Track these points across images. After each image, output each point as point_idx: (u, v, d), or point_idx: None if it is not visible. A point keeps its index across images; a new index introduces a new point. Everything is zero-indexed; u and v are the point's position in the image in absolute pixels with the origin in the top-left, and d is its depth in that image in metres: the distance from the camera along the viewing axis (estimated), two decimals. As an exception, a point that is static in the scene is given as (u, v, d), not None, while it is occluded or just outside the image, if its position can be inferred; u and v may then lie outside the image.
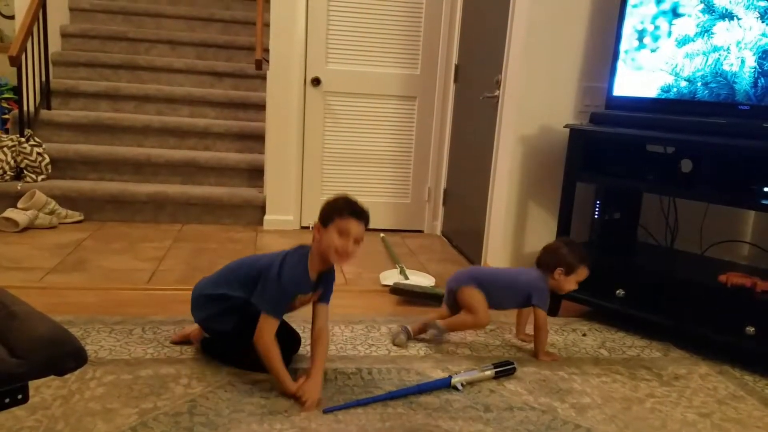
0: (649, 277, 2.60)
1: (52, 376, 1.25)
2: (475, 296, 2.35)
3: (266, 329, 1.94)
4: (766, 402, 2.12)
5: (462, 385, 2.05)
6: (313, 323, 2.09)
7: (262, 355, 1.94)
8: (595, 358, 2.38)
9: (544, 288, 2.32)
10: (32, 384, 1.26)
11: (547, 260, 2.34)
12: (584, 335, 2.60)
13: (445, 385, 2.05)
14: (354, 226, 1.95)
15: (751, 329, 2.27)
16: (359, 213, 1.98)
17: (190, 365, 2.09)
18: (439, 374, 2.14)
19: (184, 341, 2.26)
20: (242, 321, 2.01)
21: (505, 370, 2.15)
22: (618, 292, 2.60)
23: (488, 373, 2.11)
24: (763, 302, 2.28)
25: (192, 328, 2.25)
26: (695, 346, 2.48)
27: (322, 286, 2.09)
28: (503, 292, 2.37)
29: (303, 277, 1.99)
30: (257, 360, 1.96)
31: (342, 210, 1.97)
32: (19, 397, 1.22)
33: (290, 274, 1.97)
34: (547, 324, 2.35)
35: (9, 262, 3.06)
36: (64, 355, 1.22)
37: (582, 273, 2.33)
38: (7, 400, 1.20)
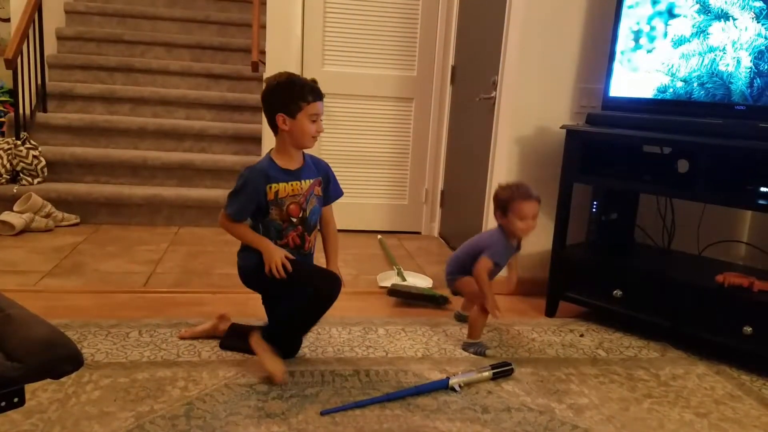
0: (647, 278, 2.60)
1: (49, 380, 1.25)
2: (466, 285, 2.41)
3: (222, 221, 2.08)
4: (763, 402, 2.12)
5: (460, 386, 2.05)
6: (320, 227, 2.19)
7: (235, 235, 2.08)
8: (592, 359, 2.38)
9: (495, 240, 2.36)
10: (28, 387, 1.26)
11: (494, 212, 2.39)
12: (582, 336, 2.60)
13: (443, 386, 2.04)
14: (320, 107, 2.04)
15: (748, 329, 2.27)
16: (319, 91, 2.04)
17: (186, 368, 2.08)
18: (436, 375, 2.13)
19: (197, 337, 2.29)
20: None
21: (502, 371, 2.15)
22: (615, 292, 2.60)
23: (486, 374, 2.11)
24: (760, 302, 2.28)
25: (211, 323, 2.30)
26: (692, 347, 2.48)
27: (317, 174, 2.14)
28: (472, 260, 2.37)
29: (266, 164, 2.06)
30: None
31: (305, 95, 2.01)
32: (15, 400, 1.21)
33: (252, 168, 2.07)
34: (486, 273, 2.32)
35: (5, 266, 3.05)
36: (60, 359, 1.21)
37: (520, 208, 2.28)
38: (3, 404, 1.19)
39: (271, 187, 2.05)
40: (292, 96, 2.00)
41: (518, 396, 2.04)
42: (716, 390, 2.18)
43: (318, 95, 2.04)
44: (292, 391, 1.97)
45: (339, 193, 2.27)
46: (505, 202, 2.31)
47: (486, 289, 2.31)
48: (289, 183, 2.07)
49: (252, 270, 2.10)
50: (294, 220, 2.10)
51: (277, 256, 2.01)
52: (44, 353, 1.19)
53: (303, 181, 2.11)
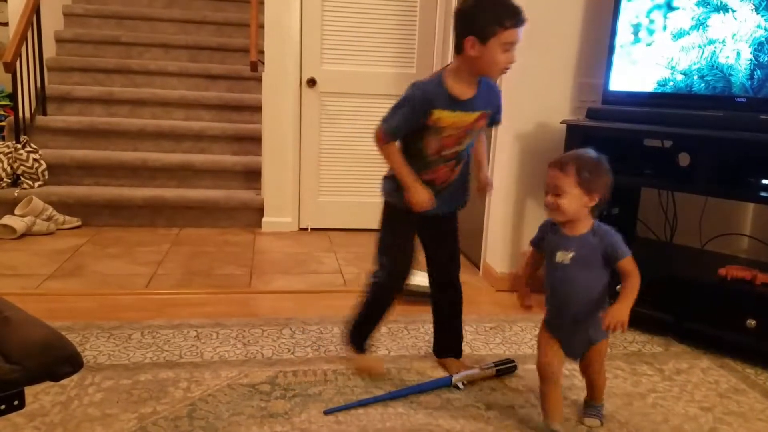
0: (649, 272, 2.55)
1: (51, 383, 1.24)
2: None
3: (376, 133, 1.87)
4: (767, 395, 2.11)
5: (463, 383, 2.04)
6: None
7: (384, 156, 1.89)
8: (596, 354, 2.37)
9: None
10: (31, 390, 1.26)
11: None
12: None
13: (446, 384, 2.04)
14: (518, 35, 1.74)
15: (752, 322, 2.26)
16: (521, 15, 1.74)
17: (189, 369, 2.08)
18: (439, 373, 2.13)
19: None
20: None
21: (506, 368, 2.14)
22: (618, 287, 2.58)
23: (489, 371, 2.10)
24: (763, 295, 2.27)
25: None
26: (696, 341, 2.47)
27: (486, 106, 1.88)
28: None
29: (435, 87, 1.80)
30: None
31: (503, 19, 1.70)
32: (15, 403, 1.21)
33: (419, 84, 1.83)
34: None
35: (7, 269, 3.05)
36: (58, 360, 1.20)
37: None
38: (2, 407, 1.19)
39: (433, 113, 1.80)
40: (487, 18, 1.70)
41: (522, 393, 2.04)
42: (720, 384, 2.17)
43: (519, 21, 1.72)
44: (294, 390, 1.97)
45: (499, 121, 2.01)
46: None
47: (519, 272, 1.95)
48: (455, 112, 1.81)
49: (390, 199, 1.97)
50: (446, 153, 1.88)
51: (423, 197, 1.86)
52: (43, 355, 1.18)
53: (471, 113, 1.84)
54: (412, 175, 1.88)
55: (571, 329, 1.77)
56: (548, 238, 1.78)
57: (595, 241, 1.73)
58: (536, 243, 1.84)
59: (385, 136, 1.87)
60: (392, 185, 1.95)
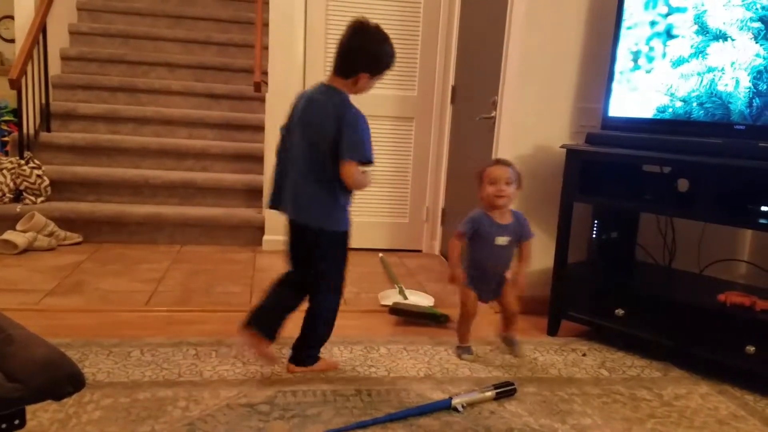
0: (649, 297, 2.59)
1: (50, 400, 1.25)
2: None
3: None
4: (767, 422, 2.10)
5: (462, 406, 2.04)
6: None
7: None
8: (595, 379, 2.37)
9: (471, 214, 2.47)
10: (29, 408, 1.26)
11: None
12: (584, 355, 2.59)
13: (446, 406, 2.03)
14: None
15: (751, 348, 2.26)
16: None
17: (188, 388, 2.08)
18: (438, 395, 2.12)
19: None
20: None
21: (505, 391, 2.14)
22: (617, 311, 2.59)
23: (488, 394, 2.10)
24: (762, 321, 2.28)
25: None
26: (695, 366, 2.47)
27: None
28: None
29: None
30: None
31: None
32: (16, 422, 1.21)
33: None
34: (454, 244, 2.44)
35: (7, 285, 3.05)
36: (61, 380, 1.21)
37: (489, 172, 2.41)
38: (3, 426, 1.19)
39: None
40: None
41: (521, 416, 2.03)
42: (720, 410, 2.17)
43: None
44: (293, 411, 1.97)
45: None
46: (479, 173, 2.42)
47: (451, 261, 2.43)
48: None
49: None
50: None
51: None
52: (45, 374, 1.19)
53: None
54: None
55: (490, 283, 2.46)
56: (484, 227, 2.37)
57: (517, 227, 2.42)
58: (470, 235, 2.39)
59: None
60: (343, 213, 2.15)
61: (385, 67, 2.09)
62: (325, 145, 2.02)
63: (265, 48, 3.97)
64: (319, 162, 2.04)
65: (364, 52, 2.04)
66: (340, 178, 2.03)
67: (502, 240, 2.38)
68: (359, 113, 2.06)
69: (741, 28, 2.34)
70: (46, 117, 4.59)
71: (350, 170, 2.02)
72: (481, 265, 2.43)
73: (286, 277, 2.24)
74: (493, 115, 3.19)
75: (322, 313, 2.23)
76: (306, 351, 2.26)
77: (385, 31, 2.08)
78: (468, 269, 2.45)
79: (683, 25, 2.48)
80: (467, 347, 2.51)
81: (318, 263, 2.17)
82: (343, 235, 2.16)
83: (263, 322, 2.19)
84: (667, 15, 2.52)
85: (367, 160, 2.05)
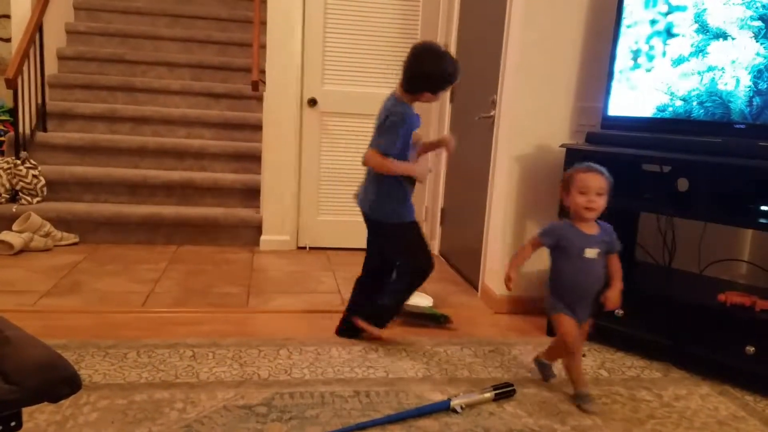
0: (648, 297, 2.58)
1: (46, 402, 1.23)
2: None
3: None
4: (767, 423, 2.10)
5: (461, 407, 2.03)
6: None
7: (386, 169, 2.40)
8: (595, 379, 2.36)
9: (552, 223, 2.24)
10: (25, 409, 1.24)
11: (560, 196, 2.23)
12: (584, 356, 2.57)
13: (445, 407, 2.02)
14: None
15: (751, 349, 2.25)
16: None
17: (184, 389, 2.06)
18: (438, 397, 2.11)
19: None
20: None
21: (504, 392, 2.13)
22: (617, 312, 2.58)
23: (488, 395, 2.09)
24: (763, 321, 2.27)
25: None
26: (695, 367, 2.46)
27: None
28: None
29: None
30: None
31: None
32: (13, 424, 1.20)
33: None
34: (524, 247, 2.23)
35: (3, 286, 3.03)
36: (57, 382, 1.20)
37: (580, 179, 2.10)
38: (0, 428, 1.18)
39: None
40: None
41: (520, 417, 2.02)
42: (720, 411, 2.16)
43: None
44: (291, 412, 1.95)
45: None
46: (567, 177, 2.14)
47: (510, 263, 2.19)
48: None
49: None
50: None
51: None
52: (42, 376, 1.18)
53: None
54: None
55: (584, 304, 2.14)
56: (569, 239, 2.09)
57: (606, 237, 2.12)
58: (551, 243, 2.13)
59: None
60: (395, 205, 2.44)
61: (446, 85, 2.38)
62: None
63: (263, 47, 3.95)
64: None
65: (424, 76, 2.34)
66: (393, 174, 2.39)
67: (591, 252, 2.08)
68: (403, 113, 2.36)
69: (741, 27, 2.33)
70: (43, 117, 4.57)
71: (368, 156, 2.40)
72: (570, 283, 2.11)
73: (363, 268, 2.66)
74: (492, 114, 3.17)
75: (388, 290, 2.56)
76: (383, 314, 2.58)
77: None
78: (555, 291, 2.14)
79: (683, 23, 2.47)
80: (549, 366, 2.30)
81: (384, 251, 2.58)
82: (401, 226, 2.46)
83: (368, 314, 2.56)
84: (667, 13, 2.51)
85: (383, 150, 2.35)
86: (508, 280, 2.16)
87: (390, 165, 2.37)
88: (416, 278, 2.52)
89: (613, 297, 2.10)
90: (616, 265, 2.14)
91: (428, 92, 2.36)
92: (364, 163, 2.42)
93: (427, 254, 2.51)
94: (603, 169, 2.09)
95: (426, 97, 2.38)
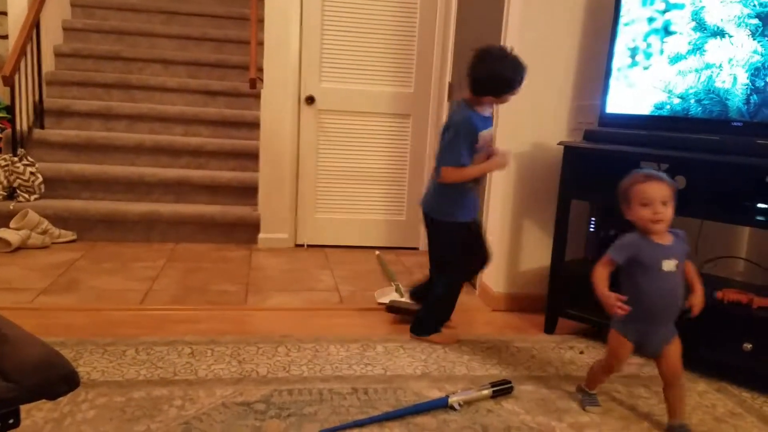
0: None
1: (44, 399, 1.23)
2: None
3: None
4: (764, 419, 2.10)
5: (459, 404, 2.03)
6: None
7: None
8: (592, 376, 2.36)
9: (623, 238, 1.98)
10: (23, 407, 1.24)
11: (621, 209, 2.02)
12: (581, 353, 2.58)
13: (443, 404, 2.03)
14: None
15: (748, 346, 2.26)
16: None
17: (183, 387, 2.06)
18: (435, 394, 2.12)
19: None
20: None
21: (502, 389, 2.13)
22: (614, 309, 2.58)
23: (485, 392, 2.10)
24: (760, 318, 2.28)
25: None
26: (693, 364, 2.46)
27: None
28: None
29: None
30: None
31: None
32: (11, 421, 1.20)
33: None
34: (600, 271, 1.97)
35: (0, 283, 3.03)
36: (56, 379, 1.20)
37: (640, 191, 1.90)
38: (-3, 425, 1.18)
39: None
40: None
41: (518, 414, 2.03)
42: (717, 408, 2.17)
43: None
44: (289, 409, 1.95)
45: None
46: (625, 190, 1.93)
47: (598, 291, 1.93)
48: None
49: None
50: None
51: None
52: (39, 374, 1.18)
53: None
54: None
55: (659, 326, 1.94)
56: (644, 252, 1.89)
57: (681, 246, 1.93)
58: (624, 260, 1.92)
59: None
60: (449, 204, 2.49)
61: (508, 89, 2.36)
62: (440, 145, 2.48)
63: (261, 44, 3.95)
64: (437, 159, 2.48)
65: (487, 79, 2.34)
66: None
67: (669, 264, 1.89)
68: (465, 118, 2.38)
69: (738, 25, 2.33)
70: (40, 114, 4.55)
71: (444, 174, 2.42)
72: (648, 301, 1.90)
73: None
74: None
75: (436, 291, 2.60)
76: (421, 322, 2.60)
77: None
78: (631, 314, 1.91)
79: (681, 21, 2.47)
80: (594, 396, 2.12)
81: (433, 248, 2.64)
82: (452, 226, 2.49)
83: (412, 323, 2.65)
84: (664, 11, 2.51)
85: (454, 164, 2.39)
86: (615, 306, 1.89)
87: (468, 172, 2.42)
88: (449, 289, 2.59)
89: (699, 302, 1.94)
90: (692, 269, 1.97)
91: (491, 96, 2.37)
92: (443, 182, 2.44)
93: (472, 259, 2.60)
94: (663, 175, 1.92)
95: (488, 100, 2.40)
